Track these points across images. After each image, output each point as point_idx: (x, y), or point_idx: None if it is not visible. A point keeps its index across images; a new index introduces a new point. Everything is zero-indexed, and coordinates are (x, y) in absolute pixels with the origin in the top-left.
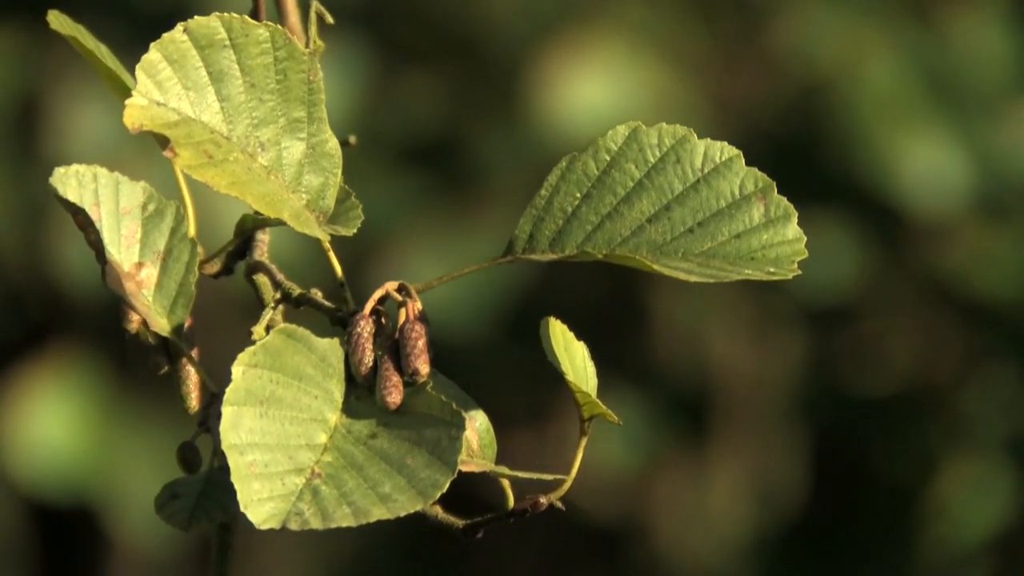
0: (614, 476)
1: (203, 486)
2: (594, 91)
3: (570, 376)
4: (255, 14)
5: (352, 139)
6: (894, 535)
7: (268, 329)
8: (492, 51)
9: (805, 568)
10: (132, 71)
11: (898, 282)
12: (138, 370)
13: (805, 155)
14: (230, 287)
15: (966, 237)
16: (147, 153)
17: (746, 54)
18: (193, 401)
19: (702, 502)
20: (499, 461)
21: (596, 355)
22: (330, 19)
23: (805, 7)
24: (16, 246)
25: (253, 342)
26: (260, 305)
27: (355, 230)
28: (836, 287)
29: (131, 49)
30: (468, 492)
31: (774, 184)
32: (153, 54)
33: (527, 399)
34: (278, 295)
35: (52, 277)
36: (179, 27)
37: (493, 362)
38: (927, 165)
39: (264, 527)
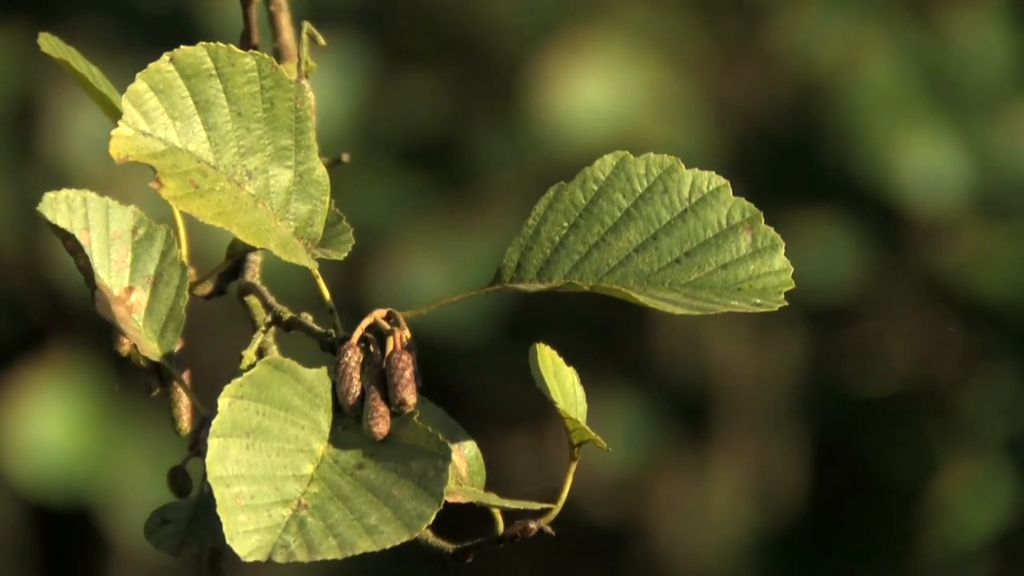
0: (614, 476)
1: (193, 511)
2: (594, 91)
3: (560, 403)
4: (247, 34)
5: (346, 157)
6: (894, 535)
7: (259, 353)
8: (492, 51)
9: (805, 568)
10: (131, 74)
11: (898, 282)
12: (136, 372)
13: (804, 154)
14: (228, 299)
15: (966, 237)
16: None
17: (746, 54)
18: (184, 424)
19: (702, 502)
20: (499, 464)
21: (597, 355)
22: (322, 41)
23: (805, 7)
24: (15, 248)
25: (241, 372)
26: (252, 327)
27: (346, 254)
28: (836, 287)
29: (131, 51)
30: (461, 508)
31: (761, 214)
32: (139, 84)
33: (528, 400)
34: (269, 318)
35: (51, 279)
36: (165, 57)
37: (493, 363)
38: (926, 164)
39: (250, 559)
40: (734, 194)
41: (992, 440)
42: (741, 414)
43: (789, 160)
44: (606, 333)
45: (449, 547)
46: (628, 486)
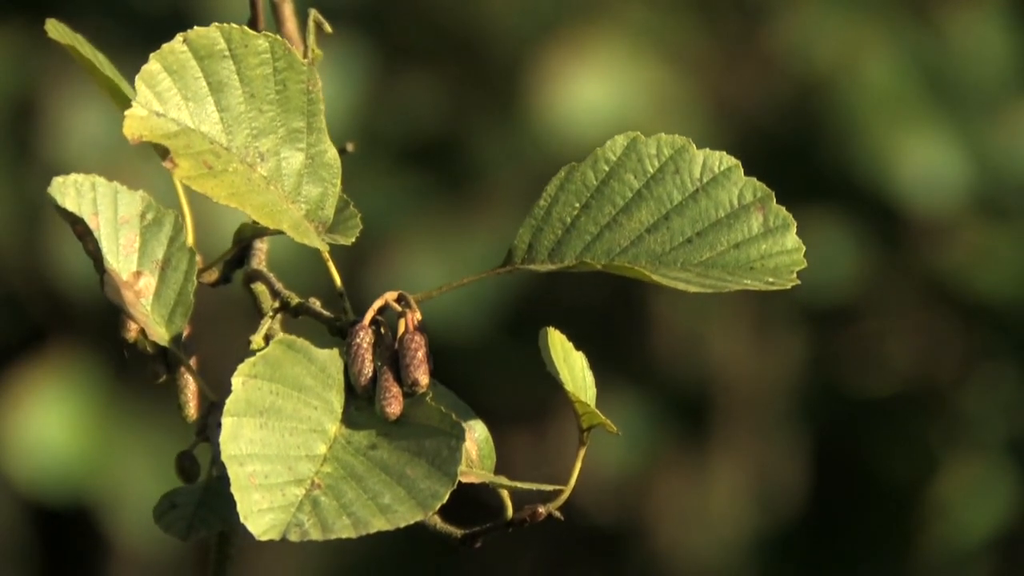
0: (614, 476)
1: (201, 495)
2: (594, 91)
3: (569, 387)
4: (253, 22)
5: (350, 146)
6: (894, 535)
7: (267, 338)
8: (492, 51)
9: (805, 568)
10: (132, 73)
11: (898, 282)
12: (137, 371)
13: (804, 154)
14: (231, 290)
15: (966, 237)
16: (146, 155)
17: (746, 54)
18: (191, 410)
19: (702, 502)
20: (501, 460)
21: (597, 355)
22: (328, 28)
23: (805, 7)
24: (15, 247)
25: (252, 352)
26: (259, 313)
27: (354, 239)
28: (836, 287)
29: (131, 51)
30: (467, 498)
31: (772, 194)
32: (153, 64)
33: (529, 397)
34: (276, 304)
35: (51, 278)
36: (178, 37)
37: (495, 360)
38: (926, 164)
39: (264, 538)
40: None
41: (992, 440)
42: (741, 414)
43: (789, 160)
44: (606, 333)
45: (457, 532)
46: (628, 486)
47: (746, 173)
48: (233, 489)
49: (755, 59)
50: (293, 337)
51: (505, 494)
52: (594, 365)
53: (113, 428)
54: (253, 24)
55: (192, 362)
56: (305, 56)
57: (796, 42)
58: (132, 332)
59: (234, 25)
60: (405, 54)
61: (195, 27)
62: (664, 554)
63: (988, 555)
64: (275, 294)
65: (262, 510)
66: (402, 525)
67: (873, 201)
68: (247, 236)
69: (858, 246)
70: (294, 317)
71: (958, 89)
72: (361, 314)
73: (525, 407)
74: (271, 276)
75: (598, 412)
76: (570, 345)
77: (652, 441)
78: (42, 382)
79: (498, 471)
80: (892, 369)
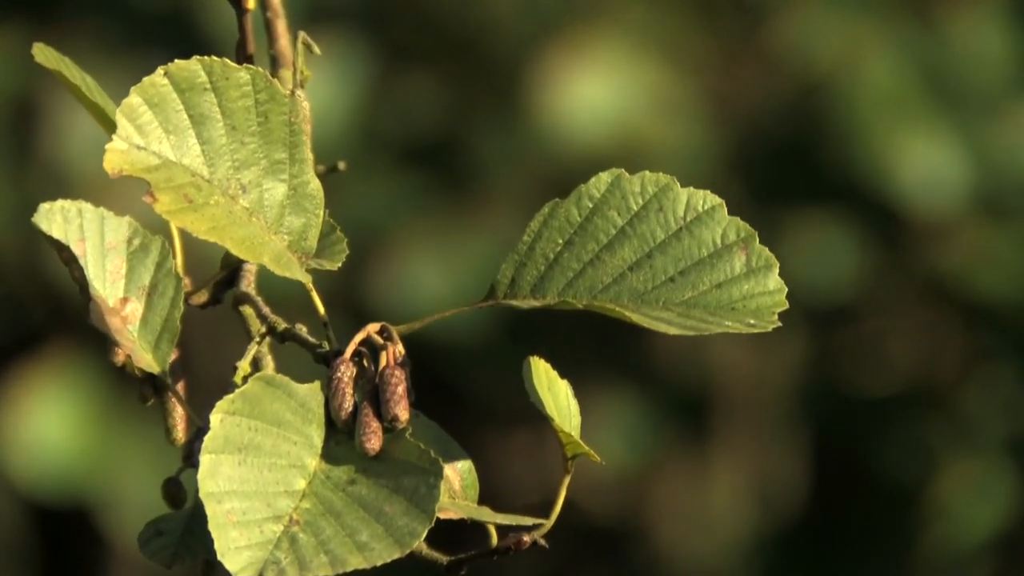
0: (614, 476)
1: (187, 523)
2: (594, 91)
3: (554, 416)
4: (242, 42)
5: (342, 165)
6: (894, 535)
7: (254, 363)
8: (492, 51)
9: (805, 568)
10: (129, 73)
11: (898, 282)
12: (133, 376)
13: (804, 155)
14: (222, 306)
15: (966, 237)
16: None
17: (746, 54)
18: (179, 434)
19: (702, 502)
20: (499, 461)
21: (597, 355)
22: (317, 50)
23: (804, 7)
24: (15, 247)
25: (235, 385)
26: (247, 335)
27: (339, 264)
28: (836, 287)
29: (131, 51)
30: (455, 521)
31: (756, 234)
32: (133, 98)
33: (527, 399)
34: (263, 329)
35: (51, 279)
36: (159, 71)
37: (493, 362)
38: (927, 165)
39: (241, 575)
40: (734, 195)
41: (992, 440)
42: (741, 414)
43: (789, 160)
44: (607, 333)
45: (443, 559)
46: (628, 486)
47: (746, 173)
48: (211, 526)
49: (755, 59)
50: (273, 373)
51: (489, 524)
52: (595, 365)
53: (113, 428)
54: (242, 45)
55: (180, 387)
56: (294, 78)
57: (796, 42)
58: (120, 357)
59: (215, 58)
60: (405, 54)
61: (176, 60)
62: (664, 554)
63: (988, 555)
64: (262, 318)
65: (239, 547)
66: (379, 563)
67: (873, 201)
68: (235, 259)
69: (859, 246)
70: (280, 343)
71: (959, 89)
72: (346, 338)
73: (524, 410)
74: (258, 300)
75: (582, 443)
76: (554, 373)
77: (652, 441)
78: (42, 382)
79: (497, 476)
80: (892, 369)
